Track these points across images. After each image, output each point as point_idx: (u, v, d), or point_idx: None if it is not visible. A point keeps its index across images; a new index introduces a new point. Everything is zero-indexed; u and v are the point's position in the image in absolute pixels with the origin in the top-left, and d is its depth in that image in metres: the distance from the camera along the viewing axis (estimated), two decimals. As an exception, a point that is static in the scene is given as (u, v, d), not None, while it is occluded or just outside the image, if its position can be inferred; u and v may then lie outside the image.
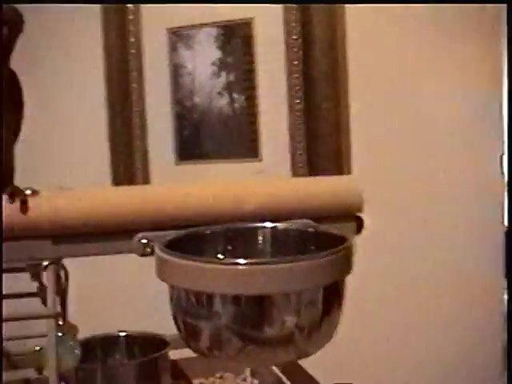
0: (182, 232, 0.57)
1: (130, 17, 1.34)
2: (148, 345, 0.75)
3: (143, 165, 1.34)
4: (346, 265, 0.47)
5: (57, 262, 0.57)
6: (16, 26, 0.60)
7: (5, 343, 0.62)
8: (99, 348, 0.77)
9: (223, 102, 1.31)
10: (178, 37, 1.32)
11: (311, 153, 1.23)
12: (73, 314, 0.60)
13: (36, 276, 0.58)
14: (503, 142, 1.23)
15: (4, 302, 0.67)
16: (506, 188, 1.19)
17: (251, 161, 1.28)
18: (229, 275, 0.44)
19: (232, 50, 1.30)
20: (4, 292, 0.69)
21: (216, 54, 1.31)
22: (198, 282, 0.46)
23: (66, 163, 1.37)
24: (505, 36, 1.15)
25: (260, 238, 0.59)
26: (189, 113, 1.33)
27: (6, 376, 0.56)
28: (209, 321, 0.47)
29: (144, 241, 0.57)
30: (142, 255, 0.58)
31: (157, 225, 0.58)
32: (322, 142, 1.22)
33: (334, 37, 1.23)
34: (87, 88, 1.37)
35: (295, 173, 1.24)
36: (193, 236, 0.57)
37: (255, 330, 0.46)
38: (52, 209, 0.56)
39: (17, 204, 0.56)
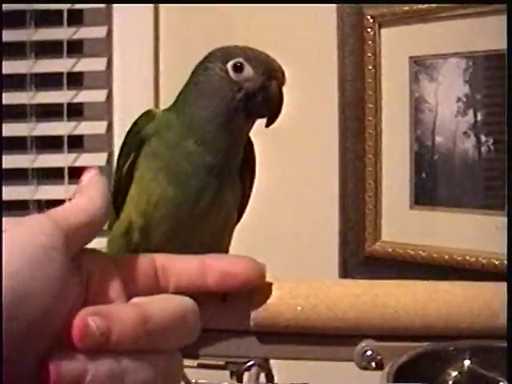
0: (417, 350, 0.45)
1: (369, 42, 1.24)
2: None
3: (375, 206, 1.23)
4: None
5: (261, 364, 0.48)
6: None
7: None
8: None
9: (468, 144, 1.15)
10: (421, 66, 1.20)
11: None
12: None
13: (236, 376, 0.50)
14: None
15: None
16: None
17: (496, 214, 1.12)
18: None
19: (481, 85, 1.15)
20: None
21: (463, 88, 1.16)
22: None
23: (289, 222, 1.29)
24: None
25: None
26: (428, 153, 1.19)
27: None
28: None
29: (369, 352, 0.47)
30: (365, 369, 0.47)
31: (387, 332, 0.47)
32: None
33: None
34: (320, 120, 1.29)
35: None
36: (430, 354, 0.45)
37: None
38: (260, 303, 0.47)
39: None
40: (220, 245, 0.56)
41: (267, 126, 0.55)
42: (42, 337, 0.31)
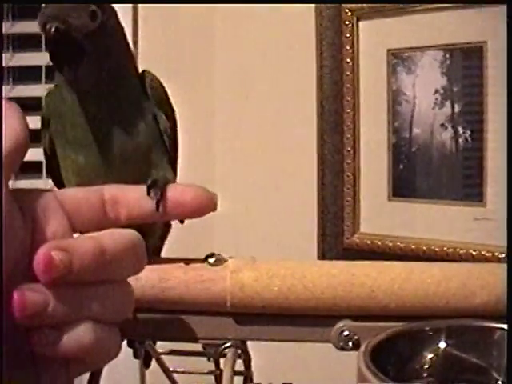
0: (394, 329, 0.45)
1: (347, 35, 1.24)
2: None
3: (354, 198, 1.23)
4: None
5: (239, 346, 0.48)
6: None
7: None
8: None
9: (446, 135, 1.16)
10: (399, 59, 1.20)
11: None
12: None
13: (213, 358, 0.50)
14: None
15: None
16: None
17: (473, 205, 1.12)
18: None
19: (459, 77, 1.15)
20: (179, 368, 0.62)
21: (440, 81, 1.16)
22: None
23: (268, 213, 1.29)
24: None
25: (495, 342, 0.46)
26: (406, 145, 1.20)
27: None
28: None
29: (346, 333, 0.46)
30: (342, 349, 0.47)
31: (364, 312, 0.47)
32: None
33: None
34: (298, 113, 1.29)
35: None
36: (407, 333, 0.45)
37: None
38: (236, 284, 0.46)
39: (195, 272, 0.48)
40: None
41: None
42: None
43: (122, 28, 0.55)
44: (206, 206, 0.41)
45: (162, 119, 0.55)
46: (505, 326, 0.45)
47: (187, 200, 0.41)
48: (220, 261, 0.48)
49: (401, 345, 0.45)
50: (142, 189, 0.41)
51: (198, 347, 0.52)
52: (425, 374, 0.45)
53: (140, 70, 0.56)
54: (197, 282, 0.47)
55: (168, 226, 0.60)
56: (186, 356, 0.62)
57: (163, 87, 0.56)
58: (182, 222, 0.52)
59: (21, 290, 0.31)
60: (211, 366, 0.56)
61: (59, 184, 0.56)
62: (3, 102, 0.34)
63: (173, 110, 0.57)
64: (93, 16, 0.50)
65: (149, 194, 0.41)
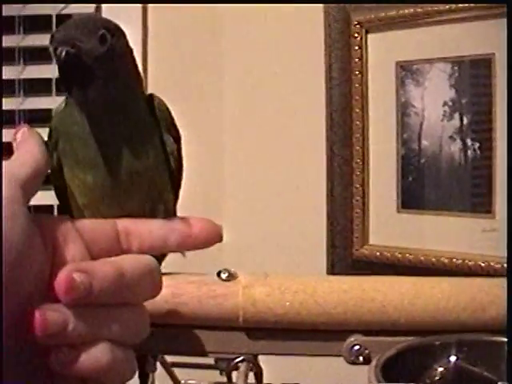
0: (404, 344, 0.45)
1: (356, 47, 1.25)
2: None
3: (363, 210, 1.23)
4: None
5: (251, 360, 0.49)
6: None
7: None
8: None
9: (454, 147, 1.16)
10: (408, 71, 1.21)
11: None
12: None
13: (225, 372, 0.50)
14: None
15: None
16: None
17: (481, 217, 1.13)
18: None
19: (467, 89, 1.16)
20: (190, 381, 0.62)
21: (449, 93, 1.17)
22: None
23: (277, 225, 1.30)
24: None
25: (504, 356, 0.46)
26: (415, 157, 1.20)
27: None
28: None
29: (357, 347, 0.47)
30: (353, 363, 0.48)
31: (375, 327, 0.48)
32: None
33: None
34: (307, 125, 1.30)
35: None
36: (417, 348, 0.46)
37: None
38: (249, 299, 0.47)
39: (207, 288, 0.48)
40: (161, 204, 0.57)
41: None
42: (12, 293, 0.32)
43: (131, 50, 0.56)
44: (212, 238, 0.42)
45: (170, 141, 0.56)
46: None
47: (195, 232, 0.42)
48: (232, 276, 0.49)
49: (411, 359, 0.46)
50: (153, 223, 0.43)
51: (209, 360, 0.53)
52: (435, 387, 0.46)
53: (149, 87, 0.57)
54: (209, 298, 0.48)
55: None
56: (198, 369, 0.62)
57: (169, 111, 0.58)
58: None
59: (42, 309, 0.32)
60: (222, 379, 0.56)
61: (65, 206, 0.57)
62: (24, 128, 0.35)
63: (178, 133, 0.59)
64: (102, 39, 0.51)
65: None
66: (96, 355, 0.33)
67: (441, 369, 0.47)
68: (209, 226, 0.42)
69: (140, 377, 0.62)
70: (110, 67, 0.52)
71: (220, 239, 0.43)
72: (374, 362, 0.42)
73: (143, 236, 0.40)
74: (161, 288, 0.38)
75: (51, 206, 1.25)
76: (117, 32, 0.53)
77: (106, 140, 0.53)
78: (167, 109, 0.57)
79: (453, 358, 0.47)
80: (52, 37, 0.51)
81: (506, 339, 0.46)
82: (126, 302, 0.36)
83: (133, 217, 0.44)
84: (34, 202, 0.36)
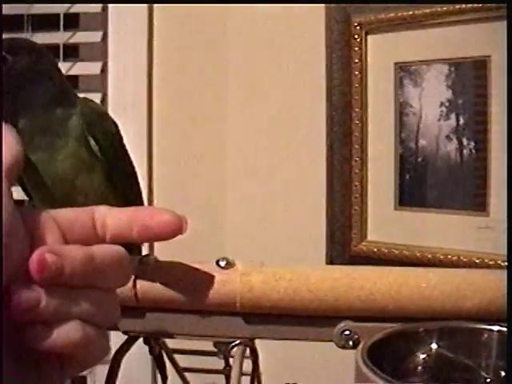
0: (390, 330, 0.48)
1: (356, 48, 1.28)
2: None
3: (361, 207, 1.26)
4: None
5: (247, 343, 0.52)
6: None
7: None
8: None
9: (451, 147, 1.19)
10: (406, 72, 1.24)
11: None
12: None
13: (223, 355, 0.53)
14: None
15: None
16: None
17: (476, 215, 1.16)
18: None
19: (464, 90, 1.19)
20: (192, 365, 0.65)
21: (446, 94, 1.20)
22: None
23: (277, 222, 1.33)
24: None
25: (484, 343, 0.49)
26: (412, 155, 1.23)
27: None
28: None
29: (347, 332, 0.50)
30: (343, 347, 0.51)
31: (364, 313, 0.51)
32: None
33: None
34: (308, 124, 1.33)
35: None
36: (402, 333, 0.49)
37: None
38: (246, 286, 0.50)
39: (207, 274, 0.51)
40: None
41: None
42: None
43: (52, 63, 0.63)
44: (172, 230, 0.42)
45: (92, 143, 0.61)
46: (494, 328, 0.48)
47: (154, 224, 0.42)
48: (230, 264, 0.52)
49: (396, 344, 0.48)
50: (123, 212, 0.44)
51: (208, 347, 0.56)
52: (419, 373, 0.49)
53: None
54: (209, 284, 0.51)
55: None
56: (197, 355, 0.65)
57: (97, 112, 0.64)
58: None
59: (17, 286, 0.35)
60: (219, 365, 0.60)
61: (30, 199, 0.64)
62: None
63: (107, 133, 0.63)
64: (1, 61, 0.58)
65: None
66: (68, 332, 0.36)
67: (423, 355, 0.49)
68: (168, 217, 0.42)
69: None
70: (15, 81, 0.59)
71: (181, 231, 0.42)
72: (360, 346, 0.45)
73: (114, 224, 0.42)
74: (130, 277, 0.41)
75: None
76: (20, 52, 0.60)
77: (27, 152, 0.58)
78: (93, 111, 0.63)
79: (434, 346, 0.50)
80: None
81: (485, 326, 0.49)
82: (96, 286, 0.38)
83: None
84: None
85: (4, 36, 0.62)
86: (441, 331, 0.49)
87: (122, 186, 0.63)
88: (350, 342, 0.50)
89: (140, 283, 0.52)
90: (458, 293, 0.50)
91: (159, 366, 0.66)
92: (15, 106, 0.59)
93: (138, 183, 0.68)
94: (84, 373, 1.35)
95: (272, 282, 0.50)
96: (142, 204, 0.68)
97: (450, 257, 1.17)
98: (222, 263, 0.51)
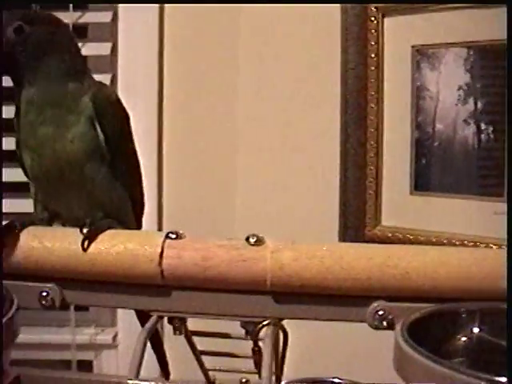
0: (428, 309, 0.47)
1: (372, 31, 1.26)
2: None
3: (376, 192, 1.25)
4: None
5: (277, 323, 0.50)
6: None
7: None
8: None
9: (468, 131, 1.18)
10: (423, 56, 1.22)
11: None
12: (289, 383, 0.53)
13: (251, 335, 0.52)
14: None
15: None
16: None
17: (493, 200, 1.14)
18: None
19: (482, 74, 1.17)
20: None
21: (464, 77, 1.18)
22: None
23: (290, 206, 1.32)
24: None
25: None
26: (429, 140, 1.22)
27: None
28: None
29: (381, 312, 0.49)
30: (376, 328, 0.49)
31: (398, 293, 0.49)
32: None
33: None
34: (322, 107, 1.31)
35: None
36: (441, 314, 0.47)
37: None
38: (276, 263, 0.49)
39: (237, 252, 0.50)
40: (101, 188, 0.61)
41: None
42: None
43: (69, 36, 0.62)
44: None
45: (98, 131, 0.59)
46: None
47: None
48: (260, 241, 0.50)
49: (435, 326, 0.47)
50: None
51: (228, 329, 0.55)
52: (457, 355, 0.47)
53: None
54: (238, 261, 0.49)
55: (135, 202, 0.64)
56: (219, 338, 0.64)
57: (110, 100, 0.62)
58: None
59: None
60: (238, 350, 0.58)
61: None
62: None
63: (115, 127, 0.61)
64: (17, 30, 0.57)
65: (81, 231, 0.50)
66: None
67: (464, 338, 0.48)
68: None
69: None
70: (30, 51, 0.58)
71: None
72: (399, 325, 0.44)
73: None
74: None
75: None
76: (37, 21, 0.59)
77: (35, 125, 0.58)
78: (107, 98, 0.61)
79: (476, 330, 0.48)
80: None
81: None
82: None
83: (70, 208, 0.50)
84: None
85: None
86: (481, 313, 0.47)
87: (123, 177, 0.62)
88: (384, 323, 0.49)
89: (166, 260, 0.50)
90: (494, 273, 0.49)
91: (191, 346, 0.64)
92: (28, 77, 0.58)
93: (141, 182, 0.66)
94: (90, 357, 1.34)
95: (304, 260, 0.49)
96: (142, 204, 0.67)
97: (466, 242, 1.15)
98: (252, 240, 0.50)
